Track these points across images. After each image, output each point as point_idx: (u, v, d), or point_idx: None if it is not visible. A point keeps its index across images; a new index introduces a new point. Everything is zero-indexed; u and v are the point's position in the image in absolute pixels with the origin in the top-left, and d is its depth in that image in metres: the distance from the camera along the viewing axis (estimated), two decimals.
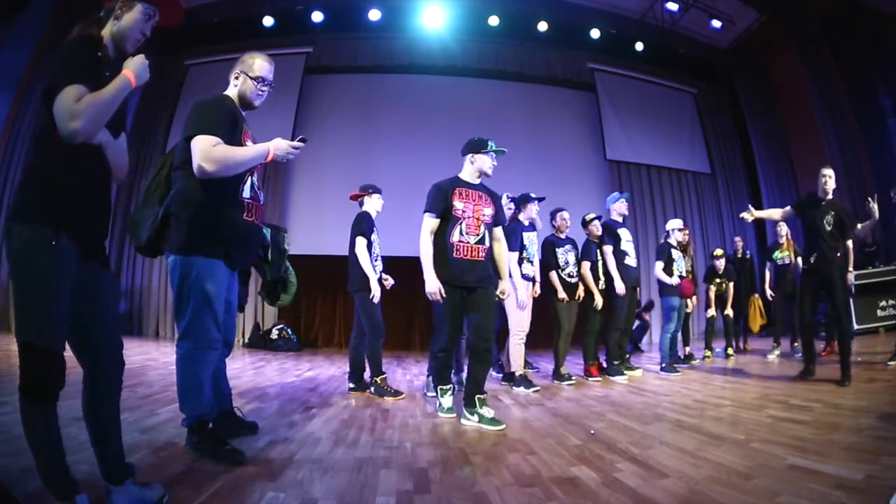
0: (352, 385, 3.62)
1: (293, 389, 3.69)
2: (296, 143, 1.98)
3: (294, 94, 8.52)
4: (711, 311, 5.66)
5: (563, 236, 4.30)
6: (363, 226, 3.51)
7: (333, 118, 8.65)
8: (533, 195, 4.06)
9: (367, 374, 3.62)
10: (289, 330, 7.45)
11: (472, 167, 2.84)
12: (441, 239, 2.74)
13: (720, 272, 5.69)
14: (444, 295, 2.66)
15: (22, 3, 6.42)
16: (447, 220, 2.74)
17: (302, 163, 8.56)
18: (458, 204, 2.76)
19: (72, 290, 1.29)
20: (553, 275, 4.15)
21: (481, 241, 2.77)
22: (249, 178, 2.04)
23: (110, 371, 1.42)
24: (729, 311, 5.72)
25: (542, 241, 4.27)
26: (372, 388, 3.49)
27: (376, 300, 3.44)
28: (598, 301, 4.28)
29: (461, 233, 2.75)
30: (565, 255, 4.20)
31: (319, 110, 8.68)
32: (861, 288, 5.74)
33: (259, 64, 2.09)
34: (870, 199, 4.27)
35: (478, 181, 2.86)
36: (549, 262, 4.20)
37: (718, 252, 5.83)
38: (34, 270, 1.24)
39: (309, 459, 1.94)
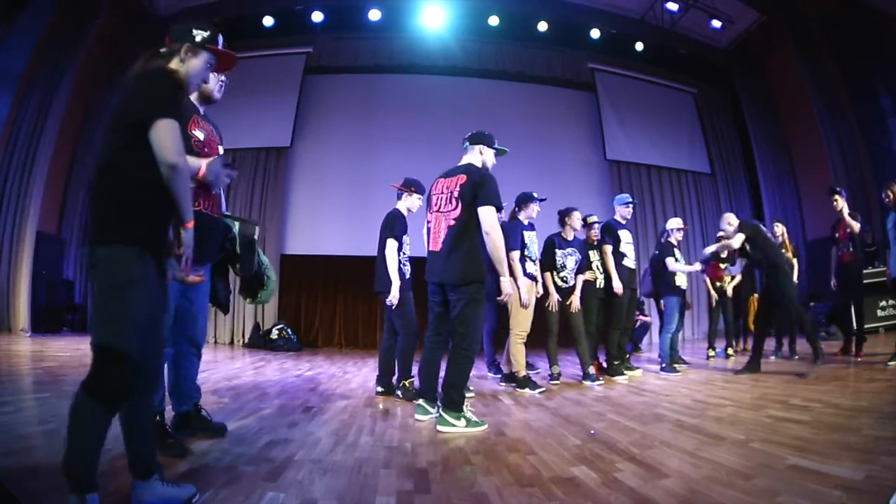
0: (380, 389, 3.52)
1: (293, 389, 3.69)
2: (230, 172, 1.98)
3: (294, 94, 8.53)
4: (714, 295, 5.59)
5: (570, 238, 4.22)
6: (395, 228, 3.39)
7: (333, 118, 8.65)
8: (535, 195, 4.01)
9: (395, 378, 3.52)
10: (289, 330, 7.45)
11: (481, 158, 2.79)
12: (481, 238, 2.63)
13: (722, 255, 5.58)
14: (484, 295, 2.64)
15: (22, 3, 6.42)
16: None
17: (302, 163, 8.58)
18: None
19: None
20: (547, 276, 4.11)
21: None
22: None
23: (154, 376, 1.52)
24: (729, 291, 5.65)
25: (545, 239, 4.23)
26: (399, 392, 3.39)
27: (392, 304, 3.35)
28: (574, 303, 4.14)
29: None
30: (564, 259, 4.14)
31: (319, 110, 8.69)
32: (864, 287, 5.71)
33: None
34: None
35: None
36: (546, 261, 4.15)
37: (721, 234, 5.77)
38: (121, 283, 1.33)
39: (309, 459, 1.93)
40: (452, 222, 2.63)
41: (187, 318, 2.16)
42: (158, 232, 1.42)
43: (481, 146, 2.79)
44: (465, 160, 2.81)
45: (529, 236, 3.92)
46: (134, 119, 1.34)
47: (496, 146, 2.83)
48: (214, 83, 2.19)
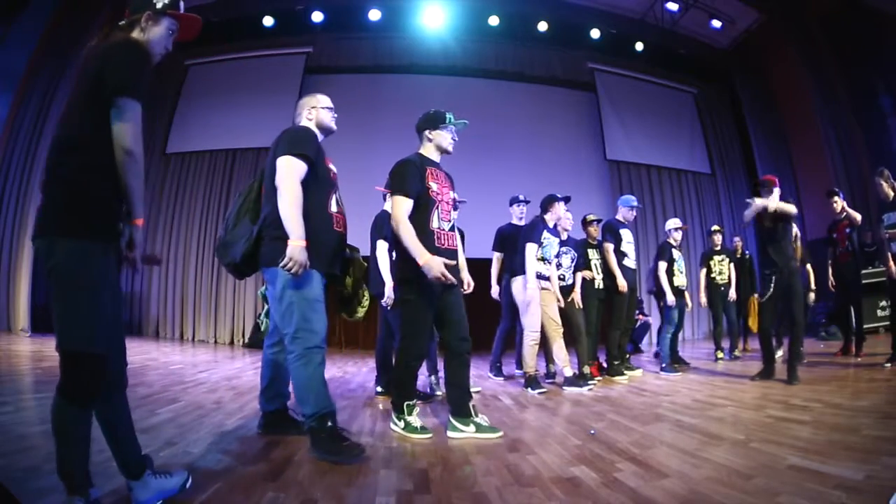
0: (379, 389, 3.50)
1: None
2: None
3: (294, 94, 8.49)
4: (703, 299, 5.48)
5: (563, 237, 4.22)
6: (385, 229, 3.35)
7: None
8: (559, 195, 3.96)
9: None
10: None
11: (431, 144, 2.55)
12: (420, 226, 2.36)
13: (717, 248, 5.60)
14: (421, 293, 2.37)
15: (22, 3, 6.42)
16: (423, 204, 2.40)
17: None
18: (433, 185, 2.44)
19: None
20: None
21: (453, 229, 2.52)
22: (334, 193, 2.23)
23: (121, 369, 1.45)
24: (732, 295, 5.52)
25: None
26: None
27: (387, 305, 3.34)
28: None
29: (438, 219, 2.44)
30: (559, 257, 4.13)
31: None
32: (863, 287, 5.72)
33: (324, 97, 2.50)
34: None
35: (439, 160, 2.58)
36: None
37: (716, 227, 5.74)
38: (90, 283, 1.27)
39: (309, 459, 1.94)
40: None
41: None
42: (117, 223, 1.35)
43: (426, 132, 2.56)
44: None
45: (547, 238, 3.88)
46: (106, 94, 1.26)
47: (449, 122, 2.54)
48: (329, 117, 2.50)
